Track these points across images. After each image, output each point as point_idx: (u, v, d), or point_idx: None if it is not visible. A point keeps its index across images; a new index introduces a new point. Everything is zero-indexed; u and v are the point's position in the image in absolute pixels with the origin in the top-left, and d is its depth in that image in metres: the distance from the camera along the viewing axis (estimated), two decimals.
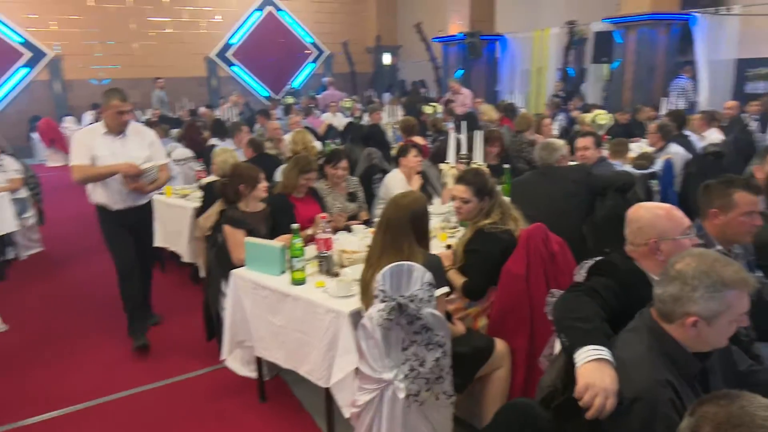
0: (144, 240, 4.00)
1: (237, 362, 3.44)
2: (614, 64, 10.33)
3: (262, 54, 15.76)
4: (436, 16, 14.83)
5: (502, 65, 13.78)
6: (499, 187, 3.08)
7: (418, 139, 6.46)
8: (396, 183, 4.32)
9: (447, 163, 3.84)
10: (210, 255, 3.61)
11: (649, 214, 1.89)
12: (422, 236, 2.45)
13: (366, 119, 9.07)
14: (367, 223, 4.09)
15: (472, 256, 2.69)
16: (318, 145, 6.23)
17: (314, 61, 16.76)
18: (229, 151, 4.58)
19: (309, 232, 3.67)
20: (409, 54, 16.64)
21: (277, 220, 3.60)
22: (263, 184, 3.51)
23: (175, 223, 5.02)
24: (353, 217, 4.18)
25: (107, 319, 4.36)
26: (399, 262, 2.20)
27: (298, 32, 16.39)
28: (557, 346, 2.15)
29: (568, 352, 1.56)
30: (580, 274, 2.13)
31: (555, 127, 8.38)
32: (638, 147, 6.15)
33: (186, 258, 4.91)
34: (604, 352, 1.50)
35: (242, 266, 3.16)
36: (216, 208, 3.68)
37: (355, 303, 2.61)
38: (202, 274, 4.34)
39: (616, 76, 10.37)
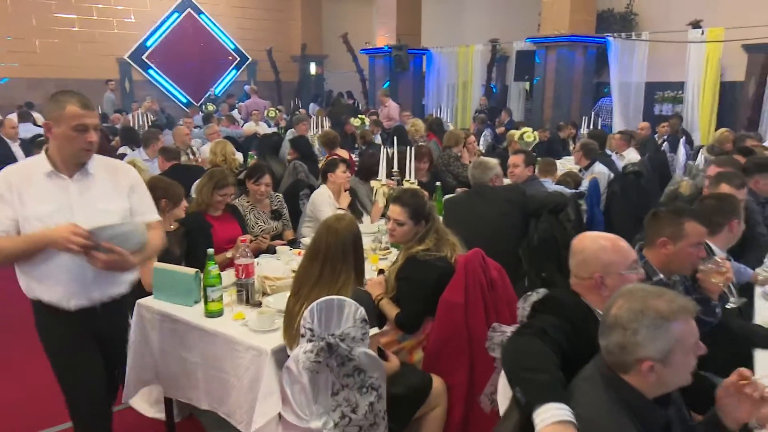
0: (116, 356, 2.52)
1: (143, 402, 3.06)
2: (535, 80, 10.67)
3: (181, 58, 15.00)
4: (363, 28, 14.78)
5: (428, 79, 13.90)
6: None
7: (343, 153, 6.26)
8: (324, 200, 4.08)
9: (378, 180, 3.65)
10: None
11: (594, 246, 1.78)
12: (360, 265, 2.24)
13: (291, 131, 8.76)
14: (293, 243, 3.82)
15: (404, 285, 2.50)
16: (239, 156, 5.87)
17: (237, 68, 16.18)
18: (134, 166, 4.13)
19: (228, 255, 3.35)
20: (335, 64, 16.45)
21: (192, 241, 3.26)
22: (185, 203, 3.17)
23: None
24: (277, 236, 3.90)
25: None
26: (328, 297, 1.97)
27: (220, 37, 15.76)
28: (501, 385, 2.00)
29: (526, 409, 1.40)
30: (523, 308, 1.99)
31: (480, 143, 8.48)
32: (560, 165, 6.29)
33: None
34: (566, 412, 1.35)
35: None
36: None
37: (279, 338, 2.34)
38: None
39: (536, 94, 10.70)
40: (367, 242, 3.66)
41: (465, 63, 13.09)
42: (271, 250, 3.52)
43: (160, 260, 2.97)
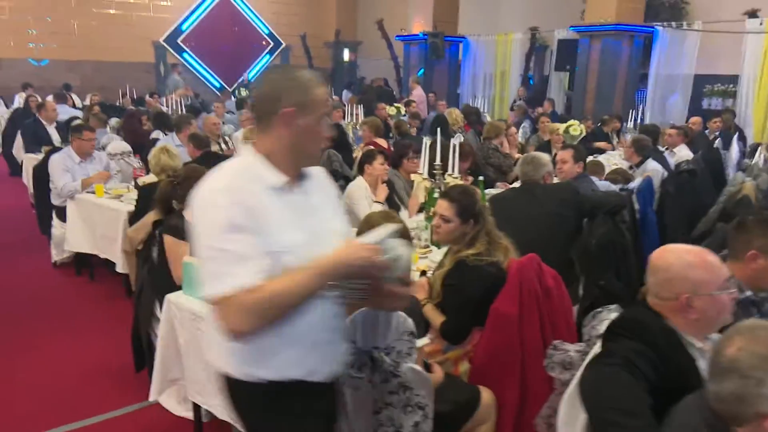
0: None
1: (171, 399, 2.94)
2: (576, 69, 10.26)
3: (215, 42, 14.95)
4: (398, 14, 14.46)
5: (464, 68, 13.55)
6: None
7: (381, 142, 6.06)
8: (360, 193, 3.90)
9: (419, 173, 3.45)
10: (141, 272, 3.09)
11: (680, 262, 1.54)
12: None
13: None
14: None
15: (452, 293, 2.29)
16: None
17: (270, 53, 16.08)
18: (167, 151, 4.02)
19: None
20: (369, 51, 16.20)
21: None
22: None
23: (107, 228, 4.42)
24: None
25: (14, 337, 3.74)
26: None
27: (254, 22, 15.66)
28: (563, 411, 1.79)
29: None
30: (592, 326, 1.77)
31: (519, 134, 8.17)
32: (605, 159, 5.97)
33: (120, 268, 4.33)
34: None
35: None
36: (150, 218, 3.15)
37: None
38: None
39: (578, 85, 10.29)
40: None
41: (503, 52, 12.72)
42: None
43: (191, 254, 2.84)
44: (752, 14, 8.84)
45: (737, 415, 1.17)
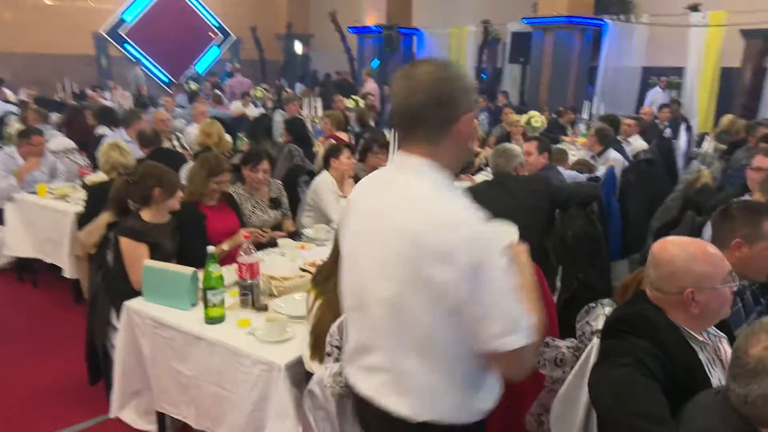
0: None
1: (131, 412, 2.73)
2: (527, 64, 10.40)
3: (161, 34, 14.36)
4: (351, 6, 14.26)
5: None
6: None
7: (343, 136, 5.93)
8: (326, 188, 3.76)
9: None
10: (95, 278, 2.86)
11: (684, 255, 1.50)
12: None
13: (280, 111, 8.36)
14: (294, 235, 3.50)
15: None
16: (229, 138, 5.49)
17: (219, 46, 15.59)
18: (118, 148, 3.76)
19: (225, 246, 3.03)
20: (321, 44, 15.93)
21: (185, 234, 2.93)
22: (180, 193, 2.84)
23: (52, 230, 4.13)
24: (276, 227, 3.57)
25: None
26: None
27: (202, 13, 15.14)
28: (557, 408, 1.73)
29: None
30: (586, 323, 1.71)
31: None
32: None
33: (68, 273, 4.04)
34: None
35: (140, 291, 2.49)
36: (103, 219, 2.92)
37: (294, 349, 2.04)
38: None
39: (532, 78, 10.43)
40: None
41: (457, 45, 12.76)
42: (271, 243, 3.20)
43: (151, 257, 2.65)
44: (694, 8, 9.16)
45: (767, 418, 1.13)
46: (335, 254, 1.87)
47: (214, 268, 2.22)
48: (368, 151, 4.27)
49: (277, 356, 2.02)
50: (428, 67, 1.23)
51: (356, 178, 3.97)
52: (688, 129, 8.20)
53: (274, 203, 3.62)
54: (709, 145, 5.94)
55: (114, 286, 2.76)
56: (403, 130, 1.25)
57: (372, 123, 7.85)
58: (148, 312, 2.38)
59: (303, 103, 6.87)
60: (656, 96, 9.57)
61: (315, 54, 16.28)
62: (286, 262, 2.63)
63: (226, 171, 3.16)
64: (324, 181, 3.79)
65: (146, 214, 2.78)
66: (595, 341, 1.60)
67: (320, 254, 3.07)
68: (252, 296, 2.36)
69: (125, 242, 2.65)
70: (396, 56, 13.18)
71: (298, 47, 15.97)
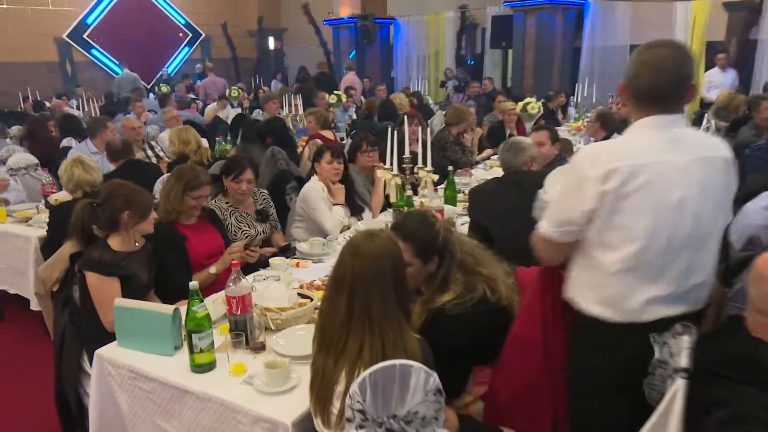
0: None
1: None
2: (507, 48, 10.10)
3: (127, 36, 13.74)
4: None
5: (396, 50, 13.15)
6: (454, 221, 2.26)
7: (328, 134, 5.56)
8: (317, 195, 3.41)
9: (387, 168, 3.01)
10: (61, 318, 2.49)
11: None
12: (406, 300, 1.61)
13: (258, 111, 7.95)
14: (286, 251, 3.15)
15: (433, 348, 1.67)
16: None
17: (189, 45, 15.02)
18: (81, 163, 3.35)
19: (212, 270, 2.68)
20: (295, 38, 15.45)
21: (163, 261, 2.57)
22: (154, 214, 2.47)
23: (14, 258, 3.73)
24: (265, 243, 3.22)
25: None
26: (387, 363, 1.34)
27: (168, 12, 14.54)
28: None
29: None
30: (670, 354, 1.40)
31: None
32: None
33: (35, 305, 3.64)
34: None
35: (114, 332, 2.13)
36: (66, 250, 2.55)
37: (302, 400, 1.71)
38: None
39: (516, 62, 10.14)
40: None
41: (435, 32, 12.41)
42: (261, 262, 2.85)
43: (124, 295, 2.28)
44: None
45: None
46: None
47: (199, 308, 1.87)
48: (357, 151, 3.90)
49: (281, 411, 1.68)
50: (678, 43, 1.61)
51: (348, 182, 3.62)
52: None
53: (261, 216, 3.26)
54: (710, 124, 5.69)
55: (83, 327, 2.40)
56: (671, 95, 1.55)
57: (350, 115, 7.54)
58: (123, 361, 2.03)
59: (282, 101, 6.46)
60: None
61: (289, 49, 15.80)
62: (281, 288, 2.29)
63: (205, 184, 2.79)
64: (313, 188, 3.44)
65: (115, 242, 2.41)
66: (681, 382, 1.29)
67: (318, 272, 2.74)
68: (246, 334, 2.02)
69: (92, 278, 2.29)
70: (373, 47, 12.81)
71: (271, 43, 15.48)
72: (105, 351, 2.09)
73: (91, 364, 2.34)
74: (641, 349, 1.48)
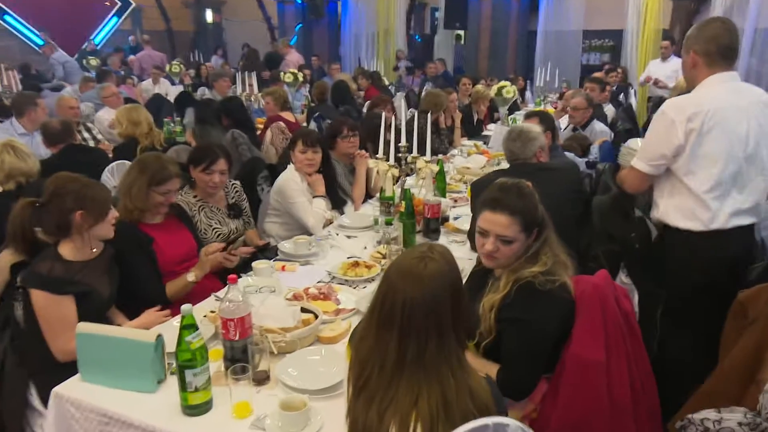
0: None
1: None
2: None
3: (45, 2, 12.45)
4: None
5: (345, 27, 12.65)
6: None
7: (288, 116, 5.14)
8: (295, 188, 3.04)
9: (380, 158, 2.68)
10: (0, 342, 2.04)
11: None
12: (463, 329, 1.32)
13: (204, 89, 7.36)
14: (266, 251, 2.77)
15: (519, 331, 1.60)
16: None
17: (118, 15, 13.84)
18: (12, 148, 2.79)
19: (190, 278, 2.29)
20: (235, 11, 14.58)
21: (128, 268, 2.15)
22: (114, 212, 2.05)
23: None
24: (238, 239, 2.84)
25: None
26: (478, 424, 1.06)
27: None
28: None
29: None
30: None
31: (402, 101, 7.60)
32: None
33: None
34: None
35: (71, 362, 1.73)
36: (3, 260, 2.08)
37: None
38: None
39: (470, 44, 9.95)
40: (368, 244, 2.74)
41: (385, 9, 11.99)
42: (238, 265, 2.47)
43: (81, 313, 1.88)
44: None
45: None
46: (378, 306, 1.27)
47: (194, 337, 1.51)
48: (336, 136, 3.53)
49: None
50: (727, 18, 2.23)
51: (328, 172, 3.27)
52: (634, 94, 8.08)
53: (234, 210, 2.87)
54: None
55: (29, 353, 1.97)
56: (732, 54, 2.13)
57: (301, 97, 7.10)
58: (90, 401, 1.63)
59: (236, 79, 5.92)
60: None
61: (229, 23, 14.90)
62: (280, 303, 1.94)
63: (175, 176, 2.37)
64: (290, 179, 3.06)
65: (67, 250, 1.97)
66: None
67: (308, 276, 2.40)
68: (245, 360, 1.67)
69: (39, 297, 1.85)
70: (321, 23, 12.28)
71: (209, 15, 14.54)
72: (65, 389, 1.68)
73: (41, 399, 1.94)
74: (725, 250, 2.09)
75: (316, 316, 1.94)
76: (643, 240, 2.19)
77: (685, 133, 2.04)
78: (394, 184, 2.66)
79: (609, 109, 5.45)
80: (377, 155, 2.72)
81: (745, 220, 2.11)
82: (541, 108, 6.70)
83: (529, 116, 3.57)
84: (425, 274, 1.25)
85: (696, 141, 2.03)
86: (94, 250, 2.06)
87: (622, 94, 7.13)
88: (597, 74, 6.97)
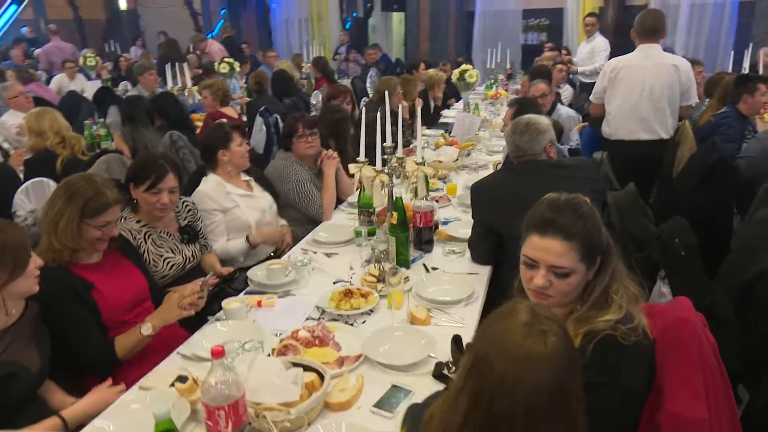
0: None
1: None
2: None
3: None
4: None
5: (274, 12, 11.94)
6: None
7: (230, 112, 4.60)
8: (209, 207, 2.55)
9: (363, 161, 2.26)
10: None
11: None
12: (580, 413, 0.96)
13: (126, 84, 6.61)
14: (231, 282, 2.29)
15: (602, 396, 1.20)
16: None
17: (17, 3, 12.42)
18: None
19: (147, 332, 1.77)
20: None
21: (61, 328, 1.64)
22: (37, 260, 1.54)
23: None
24: (194, 269, 2.35)
25: None
26: None
27: None
28: None
29: None
30: None
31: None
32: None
33: None
34: None
35: None
36: None
37: None
38: None
39: (411, 26, 9.58)
40: (353, 263, 2.33)
41: None
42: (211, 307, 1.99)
43: (4, 399, 1.38)
44: None
45: None
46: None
47: None
48: (292, 136, 3.05)
49: None
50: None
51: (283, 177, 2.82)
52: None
53: (188, 234, 2.36)
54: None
55: None
56: (651, 34, 3.39)
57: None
58: None
59: (165, 71, 5.25)
60: None
61: (144, 10, 13.75)
62: (274, 365, 1.50)
63: (113, 203, 1.85)
64: (207, 193, 2.53)
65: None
66: None
67: (290, 312, 1.97)
68: None
69: None
70: (248, 8, 11.52)
71: (123, 2, 13.35)
72: None
73: None
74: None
75: (320, 375, 1.52)
76: (689, 248, 1.88)
77: (608, 80, 3.47)
78: (381, 194, 2.25)
79: (567, 90, 5.26)
80: (358, 158, 2.29)
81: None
82: (493, 91, 6.47)
83: (512, 104, 3.25)
84: (547, 353, 0.89)
85: (612, 85, 3.44)
86: (13, 311, 1.55)
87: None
88: (542, 62, 6.77)
